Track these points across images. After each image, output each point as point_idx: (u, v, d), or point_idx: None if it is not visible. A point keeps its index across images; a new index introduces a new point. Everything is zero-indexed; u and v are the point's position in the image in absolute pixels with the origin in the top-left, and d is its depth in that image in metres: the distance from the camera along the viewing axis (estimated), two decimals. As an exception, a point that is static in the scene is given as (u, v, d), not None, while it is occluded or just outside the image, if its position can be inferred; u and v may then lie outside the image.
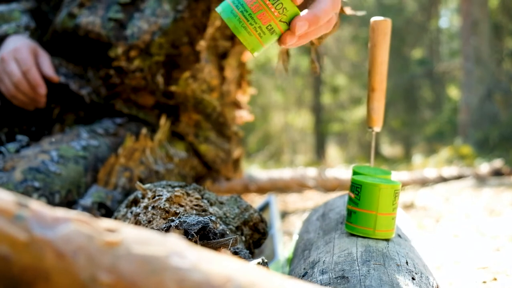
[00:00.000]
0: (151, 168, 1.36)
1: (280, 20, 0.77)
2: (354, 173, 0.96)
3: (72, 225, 0.39)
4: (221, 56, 1.50)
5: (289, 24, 0.78)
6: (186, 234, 0.75)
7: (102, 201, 1.21)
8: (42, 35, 1.45)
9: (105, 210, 1.20)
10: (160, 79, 1.39)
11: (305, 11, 0.78)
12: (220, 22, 1.42)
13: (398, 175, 3.52)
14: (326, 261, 0.82)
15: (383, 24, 0.98)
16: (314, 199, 2.97)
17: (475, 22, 8.57)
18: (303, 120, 13.71)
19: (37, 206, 0.40)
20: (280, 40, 0.79)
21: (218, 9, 0.78)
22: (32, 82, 1.31)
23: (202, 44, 1.40)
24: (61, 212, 0.40)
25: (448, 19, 15.72)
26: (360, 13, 1.12)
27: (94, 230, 0.39)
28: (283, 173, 3.23)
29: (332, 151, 14.01)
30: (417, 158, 6.99)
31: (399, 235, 0.95)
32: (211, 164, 1.53)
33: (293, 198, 3.02)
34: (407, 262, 0.80)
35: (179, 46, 1.37)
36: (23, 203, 0.39)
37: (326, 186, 3.16)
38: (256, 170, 4.26)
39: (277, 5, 0.76)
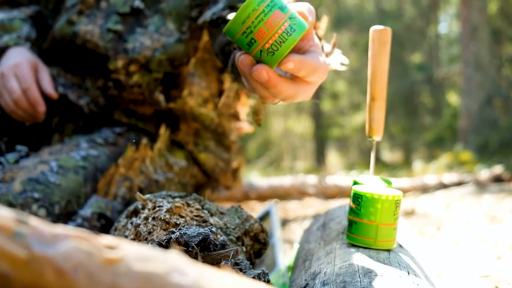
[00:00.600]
0: (151, 178, 1.35)
1: (261, 50, 0.77)
2: (355, 183, 0.95)
3: (72, 242, 0.39)
4: (220, 70, 1.49)
5: (259, 61, 0.78)
6: (187, 246, 0.75)
7: (102, 211, 1.20)
8: (43, 42, 1.45)
9: (105, 221, 1.20)
10: (158, 96, 1.38)
11: (277, 73, 0.79)
12: (207, 37, 1.41)
13: (398, 182, 3.52)
14: (327, 272, 0.81)
15: (383, 33, 0.98)
16: (314, 206, 2.97)
17: (475, 28, 8.58)
18: (303, 126, 13.72)
19: (37, 222, 0.39)
20: (239, 57, 0.80)
21: (225, 29, 0.78)
22: (32, 100, 1.31)
23: (193, 62, 1.40)
24: (60, 229, 0.40)
25: (447, 24, 15.74)
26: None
27: (94, 247, 0.39)
28: (284, 181, 3.23)
29: (332, 156, 14.02)
30: (417, 164, 6.98)
31: (400, 245, 0.95)
32: (210, 173, 1.53)
33: (294, 205, 3.02)
34: (408, 273, 0.80)
35: (178, 66, 1.37)
36: (23, 220, 0.39)
37: (326, 194, 3.16)
38: (256, 178, 4.26)
39: (274, 44, 0.76)
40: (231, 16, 1.05)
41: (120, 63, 1.34)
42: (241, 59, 0.79)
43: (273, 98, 0.84)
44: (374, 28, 0.99)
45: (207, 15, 1.23)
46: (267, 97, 0.84)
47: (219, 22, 1.17)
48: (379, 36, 0.98)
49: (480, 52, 8.63)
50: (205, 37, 1.40)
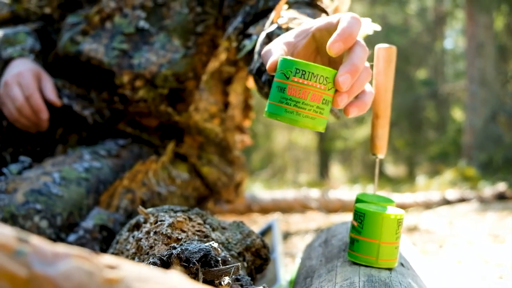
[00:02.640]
0: (153, 190, 1.35)
1: (328, 89, 0.77)
2: (357, 200, 0.95)
3: (73, 261, 0.39)
4: (225, 82, 1.50)
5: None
6: (188, 262, 0.75)
7: (104, 223, 1.20)
8: (47, 55, 1.46)
9: (107, 233, 1.20)
10: (166, 109, 1.39)
11: (342, 66, 0.77)
12: (226, 55, 1.41)
13: (401, 197, 3.51)
14: (328, 290, 0.81)
15: (387, 52, 0.98)
16: (316, 220, 2.96)
17: (480, 44, 8.59)
18: (306, 138, 13.71)
19: (38, 241, 0.39)
20: (333, 104, 0.78)
21: (267, 113, 0.78)
22: (35, 107, 1.32)
23: (204, 79, 1.41)
24: (61, 248, 0.40)
25: (453, 40, 15.75)
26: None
27: (95, 266, 0.39)
28: (286, 194, 3.23)
29: (336, 169, 14.00)
30: (421, 180, 6.97)
31: (402, 264, 0.94)
32: (212, 187, 1.53)
33: (296, 219, 3.02)
34: (409, 293, 0.79)
35: (184, 81, 1.37)
36: (24, 239, 0.39)
37: (329, 208, 3.15)
38: (259, 191, 4.26)
39: (319, 80, 0.76)
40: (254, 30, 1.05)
41: (125, 78, 1.34)
42: (339, 108, 0.79)
43: (367, 71, 0.81)
44: (379, 46, 0.98)
45: (229, 31, 1.23)
46: (366, 75, 0.81)
47: (245, 34, 1.16)
48: (384, 54, 0.98)
49: (486, 68, 8.63)
50: (222, 56, 1.40)
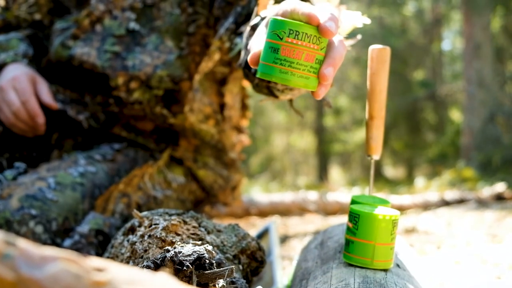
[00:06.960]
0: (149, 194, 1.35)
1: (321, 49, 0.77)
2: (353, 202, 0.95)
3: (60, 264, 0.39)
4: (220, 83, 1.50)
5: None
6: (181, 265, 0.75)
7: (100, 228, 1.20)
8: (40, 61, 1.46)
9: (102, 237, 1.19)
10: (162, 111, 1.39)
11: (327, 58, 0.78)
12: (219, 55, 1.41)
13: (400, 199, 3.51)
14: (323, 292, 0.81)
15: (382, 52, 0.98)
16: (315, 222, 2.96)
17: (478, 45, 8.59)
18: (305, 141, 13.70)
19: (25, 244, 0.39)
20: (315, 93, 0.79)
21: (260, 74, 0.78)
22: (31, 112, 1.32)
23: (197, 79, 1.41)
24: (49, 251, 0.40)
25: (450, 41, 15.75)
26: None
27: (82, 269, 0.39)
28: (284, 197, 3.23)
29: (335, 172, 13.99)
30: (420, 181, 6.96)
31: (397, 265, 0.94)
32: (209, 190, 1.53)
33: (294, 221, 3.01)
34: (405, 294, 0.79)
35: (179, 82, 1.37)
36: (11, 242, 0.39)
37: (327, 210, 3.15)
38: (257, 194, 4.25)
39: (312, 40, 0.76)
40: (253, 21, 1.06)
41: (120, 80, 1.34)
42: (318, 98, 0.79)
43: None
44: (373, 47, 0.99)
45: (220, 32, 1.24)
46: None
47: (237, 33, 1.17)
48: (378, 55, 0.98)
49: (483, 69, 8.63)
50: (216, 56, 1.40)
